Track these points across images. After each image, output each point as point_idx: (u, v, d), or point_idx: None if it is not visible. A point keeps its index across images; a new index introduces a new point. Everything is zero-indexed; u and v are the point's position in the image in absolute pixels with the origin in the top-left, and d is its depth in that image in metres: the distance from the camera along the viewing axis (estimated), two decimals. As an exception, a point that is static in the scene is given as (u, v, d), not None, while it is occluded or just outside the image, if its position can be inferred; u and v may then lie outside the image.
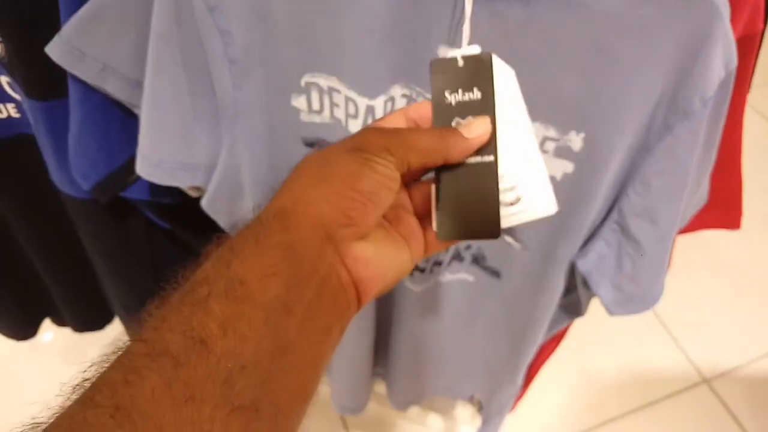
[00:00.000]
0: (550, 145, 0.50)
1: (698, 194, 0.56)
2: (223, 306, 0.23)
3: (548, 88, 0.46)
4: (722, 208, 0.61)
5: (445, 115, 0.34)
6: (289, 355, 0.24)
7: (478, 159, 0.34)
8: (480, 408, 0.91)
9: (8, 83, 0.58)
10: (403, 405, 0.90)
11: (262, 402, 0.23)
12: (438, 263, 0.64)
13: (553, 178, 0.52)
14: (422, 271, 0.64)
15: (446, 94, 0.34)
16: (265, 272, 0.25)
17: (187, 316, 0.23)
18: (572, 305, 0.66)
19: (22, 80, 0.53)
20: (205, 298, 0.24)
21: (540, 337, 0.69)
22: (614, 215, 0.54)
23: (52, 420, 0.21)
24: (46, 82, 0.52)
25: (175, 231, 0.67)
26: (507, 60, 0.45)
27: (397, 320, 0.74)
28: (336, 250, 0.28)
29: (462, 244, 0.62)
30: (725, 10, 0.41)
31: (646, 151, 0.48)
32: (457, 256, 0.64)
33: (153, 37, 0.47)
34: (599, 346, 1.27)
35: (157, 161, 0.53)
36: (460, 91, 0.34)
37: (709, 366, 1.26)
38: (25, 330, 0.88)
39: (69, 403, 0.21)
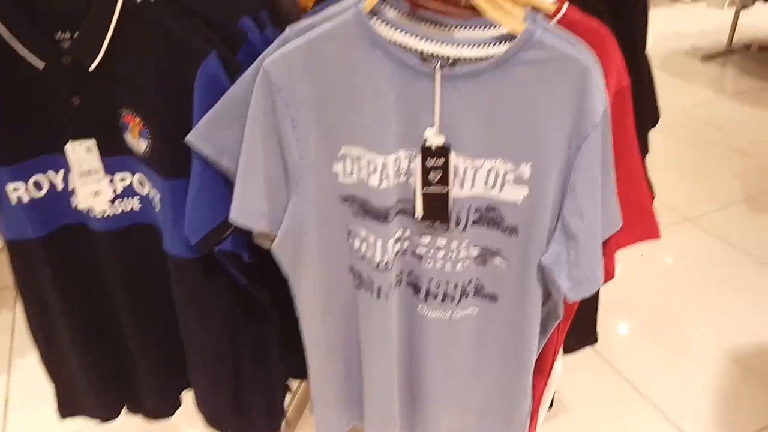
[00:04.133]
0: (510, 176, 0.75)
1: (610, 211, 0.79)
2: None
3: (501, 132, 0.73)
4: (641, 223, 0.86)
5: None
6: None
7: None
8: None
9: (140, 180, 0.86)
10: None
11: None
12: (450, 298, 0.84)
13: (515, 203, 0.77)
14: (434, 297, 0.85)
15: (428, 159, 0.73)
16: None
17: None
18: (552, 309, 0.86)
19: (159, 166, 0.80)
20: None
21: (536, 346, 0.88)
22: (560, 220, 0.77)
23: None
24: (176, 165, 0.79)
25: (249, 286, 0.90)
26: (470, 116, 0.73)
27: (420, 356, 0.92)
28: None
29: (465, 277, 0.84)
30: (594, 70, 0.70)
31: (570, 167, 0.74)
32: (464, 292, 0.85)
33: (248, 124, 0.75)
34: None
35: (245, 209, 0.78)
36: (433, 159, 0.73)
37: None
38: (108, 410, 1.06)
39: None
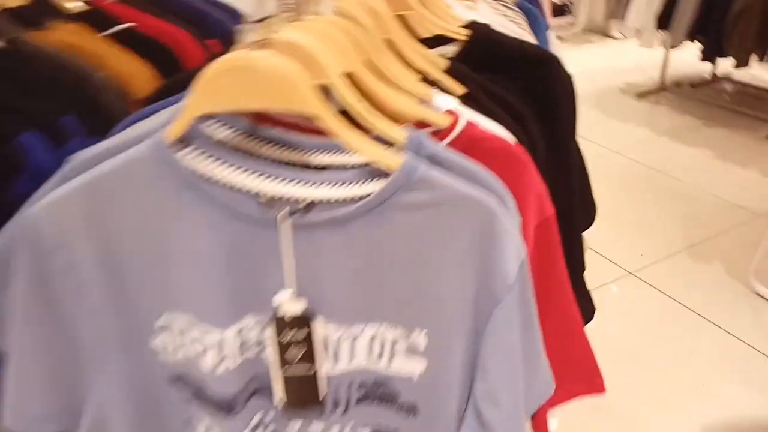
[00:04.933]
0: (401, 346, 0.55)
1: (539, 379, 0.59)
2: None
3: (385, 291, 0.52)
4: (580, 379, 0.66)
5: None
6: None
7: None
8: None
9: None
10: None
11: None
12: None
13: (410, 379, 0.56)
14: None
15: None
16: None
17: None
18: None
19: None
20: None
21: None
22: (472, 401, 0.57)
23: None
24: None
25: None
26: (338, 273, 0.52)
27: None
28: None
29: None
30: (502, 211, 0.50)
31: (479, 336, 0.54)
32: None
33: (11, 299, 0.51)
34: None
35: (23, 413, 0.54)
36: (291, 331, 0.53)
37: None
38: None
39: None
